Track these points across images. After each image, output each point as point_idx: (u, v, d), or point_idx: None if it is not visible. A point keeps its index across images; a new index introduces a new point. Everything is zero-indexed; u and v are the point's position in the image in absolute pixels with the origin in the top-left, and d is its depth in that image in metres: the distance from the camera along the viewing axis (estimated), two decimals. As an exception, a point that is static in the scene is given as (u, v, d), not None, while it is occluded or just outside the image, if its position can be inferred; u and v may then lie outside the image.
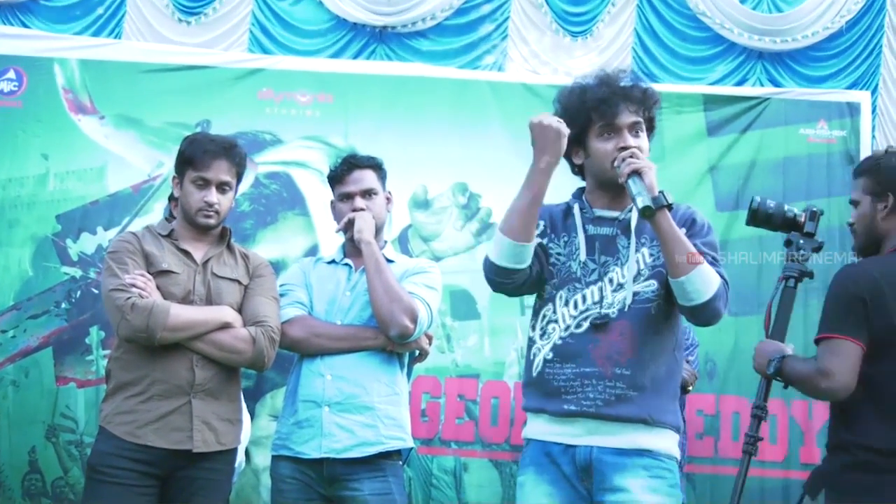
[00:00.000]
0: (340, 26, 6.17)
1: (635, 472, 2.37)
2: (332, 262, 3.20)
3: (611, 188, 2.48)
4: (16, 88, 4.46)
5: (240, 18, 6.16)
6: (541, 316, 2.50)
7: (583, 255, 2.46)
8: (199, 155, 2.95)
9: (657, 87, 3.14)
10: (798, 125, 4.78)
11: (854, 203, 2.66)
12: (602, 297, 2.43)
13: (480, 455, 4.38)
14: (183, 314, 2.81)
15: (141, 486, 2.78)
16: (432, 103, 4.66)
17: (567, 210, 2.55)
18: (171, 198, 3.28)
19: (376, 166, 3.21)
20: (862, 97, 4.97)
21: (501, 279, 2.45)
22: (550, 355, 2.45)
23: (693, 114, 4.72)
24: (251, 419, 4.03)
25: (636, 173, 2.34)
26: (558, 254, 2.50)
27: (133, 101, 4.50)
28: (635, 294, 2.43)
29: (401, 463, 3.05)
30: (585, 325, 2.42)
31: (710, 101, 4.76)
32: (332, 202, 3.25)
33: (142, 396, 2.82)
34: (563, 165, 2.49)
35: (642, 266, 2.45)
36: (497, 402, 4.31)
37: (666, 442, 2.44)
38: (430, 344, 3.21)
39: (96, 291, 4.17)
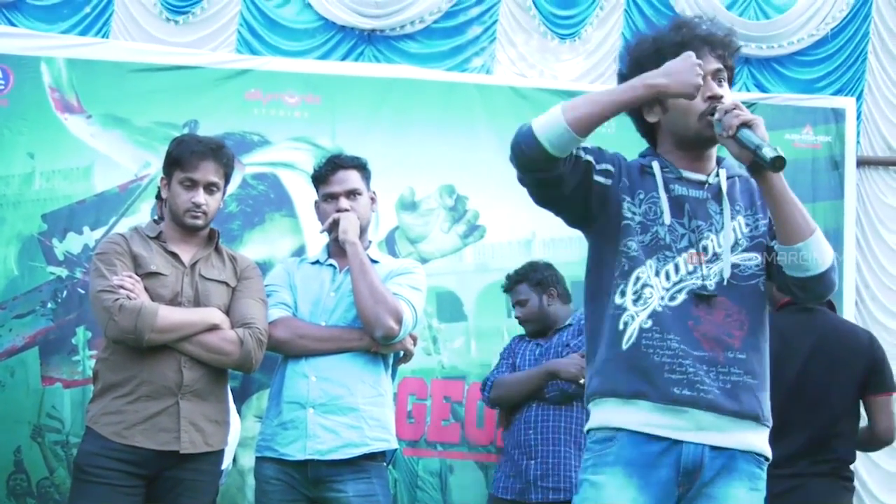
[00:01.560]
0: (328, 28, 6.14)
1: (740, 481, 2.08)
2: (317, 262, 3.21)
3: (694, 147, 2.17)
4: (2, 87, 4.42)
5: (228, 19, 6.13)
6: (633, 278, 2.12)
7: (667, 219, 2.13)
8: (186, 156, 2.96)
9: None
10: (783, 130, 4.80)
11: None
12: (697, 267, 2.12)
13: (466, 457, 4.37)
14: (171, 316, 2.82)
15: (127, 486, 2.80)
16: (420, 105, 4.65)
17: (642, 168, 2.20)
18: (158, 197, 3.29)
19: (360, 166, 3.22)
20: (847, 103, 5.00)
21: (531, 154, 2.05)
22: (649, 323, 2.08)
23: (679, 118, 4.72)
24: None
25: (745, 126, 2.01)
26: (633, 213, 2.16)
27: (120, 100, 4.46)
28: (735, 267, 2.13)
29: (385, 464, 3.06)
30: (680, 297, 2.10)
31: (697, 106, 4.77)
32: (316, 202, 3.26)
33: (129, 397, 2.83)
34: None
35: (739, 236, 2.16)
36: (483, 405, 4.30)
37: (766, 443, 2.14)
38: (414, 345, 3.22)
39: (83, 291, 4.15)
